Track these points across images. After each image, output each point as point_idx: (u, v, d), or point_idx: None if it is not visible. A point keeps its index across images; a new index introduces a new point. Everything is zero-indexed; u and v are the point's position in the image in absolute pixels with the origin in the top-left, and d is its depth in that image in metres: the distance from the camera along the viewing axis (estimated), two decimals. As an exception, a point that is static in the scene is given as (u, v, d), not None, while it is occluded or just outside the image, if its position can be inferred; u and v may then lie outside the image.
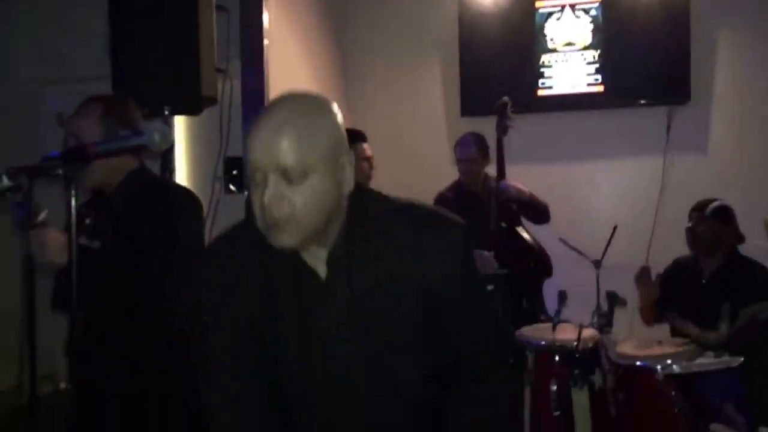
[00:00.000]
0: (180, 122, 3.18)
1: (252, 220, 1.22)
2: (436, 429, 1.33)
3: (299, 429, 1.31)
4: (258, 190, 1.18)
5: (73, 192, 1.56)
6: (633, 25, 4.21)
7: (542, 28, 4.39)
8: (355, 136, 3.52)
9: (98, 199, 2.05)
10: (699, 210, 3.22)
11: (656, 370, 2.74)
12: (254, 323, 1.28)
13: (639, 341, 3.11)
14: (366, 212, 1.28)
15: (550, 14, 4.39)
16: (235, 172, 3.60)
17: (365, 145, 3.51)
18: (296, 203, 1.17)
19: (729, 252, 3.20)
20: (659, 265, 3.45)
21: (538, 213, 3.65)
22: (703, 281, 3.23)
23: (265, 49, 3.61)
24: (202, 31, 2.69)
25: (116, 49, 2.75)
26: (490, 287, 2.94)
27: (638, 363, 2.82)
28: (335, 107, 1.26)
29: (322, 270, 1.27)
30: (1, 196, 1.26)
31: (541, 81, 4.39)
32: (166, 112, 2.73)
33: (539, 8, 4.41)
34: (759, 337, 1.98)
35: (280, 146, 1.16)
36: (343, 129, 1.26)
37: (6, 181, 1.18)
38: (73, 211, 1.60)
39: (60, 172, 1.53)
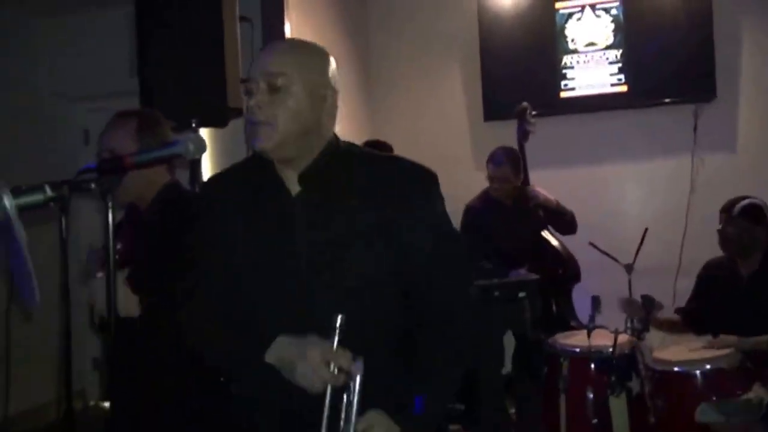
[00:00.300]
0: (206, 134, 3.21)
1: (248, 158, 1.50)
2: (403, 356, 1.44)
3: (265, 340, 1.39)
4: (249, 97, 1.40)
5: (109, 204, 1.58)
6: (655, 22, 4.20)
7: (563, 29, 4.40)
8: (382, 148, 3.54)
9: (132, 214, 2.08)
10: (727, 210, 3.11)
11: (695, 375, 2.71)
12: (231, 236, 1.45)
13: (677, 346, 3.06)
14: (341, 147, 1.48)
15: (570, 15, 4.40)
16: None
17: None
18: (276, 110, 1.39)
19: (766, 253, 3.07)
20: (693, 266, 3.40)
21: (565, 222, 3.63)
22: (742, 285, 3.09)
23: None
24: (227, 43, 2.73)
25: (143, 62, 2.79)
26: (521, 294, 2.94)
27: (676, 369, 2.79)
28: (332, 60, 1.48)
29: (293, 189, 1.44)
30: (43, 207, 1.27)
31: (563, 82, 4.39)
32: (194, 125, 2.76)
33: (559, 9, 4.41)
34: None
35: (269, 58, 1.42)
36: (333, 75, 1.47)
37: (49, 192, 1.17)
38: (110, 224, 1.61)
39: (94, 186, 1.55)
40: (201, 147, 1.45)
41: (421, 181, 1.46)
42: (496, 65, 4.45)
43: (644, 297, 2.97)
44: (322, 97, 1.44)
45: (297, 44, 1.52)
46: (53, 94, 4.50)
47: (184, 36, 2.76)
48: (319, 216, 1.42)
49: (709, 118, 4.16)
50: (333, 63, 1.49)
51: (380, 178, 1.44)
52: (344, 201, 1.42)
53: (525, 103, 3.52)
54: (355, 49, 4.59)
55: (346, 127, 4.21)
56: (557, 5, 4.41)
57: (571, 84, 4.38)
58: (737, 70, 4.19)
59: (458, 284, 1.46)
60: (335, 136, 1.50)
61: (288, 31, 3.65)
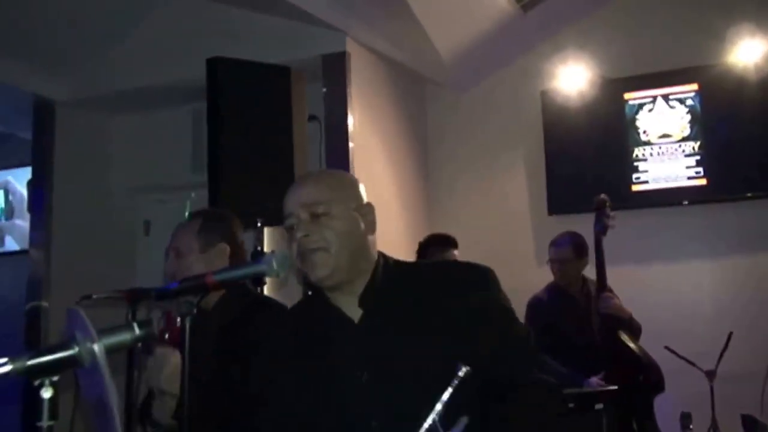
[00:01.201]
0: (270, 232, 3.33)
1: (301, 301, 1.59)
2: None
3: None
4: (295, 232, 1.47)
5: (186, 326, 1.64)
6: (736, 112, 4.22)
7: (633, 120, 4.45)
8: (447, 242, 3.58)
9: (199, 314, 2.16)
10: None
11: None
12: (288, 378, 1.48)
13: None
14: (389, 262, 1.54)
15: (641, 106, 4.45)
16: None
17: (455, 252, 3.55)
18: (325, 235, 1.45)
19: None
20: None
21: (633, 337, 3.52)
22: None
23: (350, 151, 3.79)
24: (296, 143, 2.88)
25: (212, 159, 2.94)
26: (598, 406, 2.85)
27: None
28: (358, 184, 1.59)
29: (355, 316, 1.48)
30: (130, 347, 1.29)
31: (635, 175, 4.41)
32: (259, 224, 2.88)
33: (629, 100, 4.47)
34: None
35: (302, 190, 1.51)
36: (363, 193, 1.57)
37: (137, 332, 1.15)
38: (186, 338, 1.69)
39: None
40: (285, 264, 1.48)
41: (477, 281, 1.50)
42: (562, 157, 4.52)
43: (746, 418, 2.86)
44: (362, 214, 1.53)
45: (322, 173, 1.71)
46: (119, 186, 4.78)
47: (254, 134, 2.91)
48: (383, 346, 1.44)
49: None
50: (360, 187, 1.59)
51: (437, 289, 1.47)
52: (407, 324, 1.44)
53: (603, 195, 3.47)
54: (414, 144, 4.75)
55: (404, 226, 4.30)
56: (626, 96, 4.48)
57: (643, 177, 4.39)
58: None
59: (527, 376, 1.47)
60: (380, 253, 1.56)
61: (350, 128, 3.81)
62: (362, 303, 1.48)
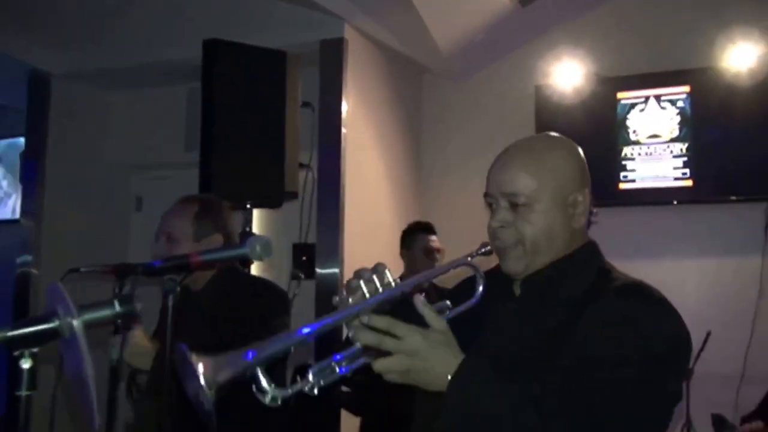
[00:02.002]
0: (259, 213, 3.35)
1: None
2: None
3: None
4: (492, 215, 1.40)
5: (171, 299, 1.68)
6: (725, 116, 4.24)
7: (624, 119, 4.47)
8: (422, 228, 3.63)
9: (185, 297, 2.18)
10: None
11: None
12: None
13: None
14: (585, 259, 1.40)
15: (633, 105, 4.48)
16: (304, 258, 3.75)
17: (433, 237, 3.62)
18: (523, 231, 1.36)
19: None
20: (759, 374, 3.33)
21: None
22: None
23: (342, 138, 3.80)
24: (288, 130, 2.90)
25: (205, 139, 2.95)
26: None
27: None
28: (574, 148, 1.44)
29: (517, 288, 1.42)
30: (111, 322, 1.30)
31: (623, 174, 4.44)
32: (248, 205, 2.90)
33: (621, 99, 4.50)
34: None
35: (506, 176, 1.38)
36: (580, 169, 1.41)
37: (118, 308, 1.18)
38: (170, 315, 1.71)
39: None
40: (267, 250, 1.51)
41: (636, 296, 1.32)
42: None
43: (716, 417, 2.91)
44: (573, 203, 1.38)
45: (535, 151, 1.40)
46: (113, 161, 4.79)
47: (247, 117, 2.93)
48: (521, 322, 1.37)
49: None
50: (581, 155, 1.43)
51: (596, 294, 1.33)
52: (551, 309, 1.34)
53: None
54: (408, 133, 4.76)
55: (394, 214, 4.32)
56: (619, 95, 4.50)
57: (631, 176, 4.42)
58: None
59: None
60: (588, 247, 1.42)
61: (344, 115, 3.83)
62: (522, 285, 1.41)
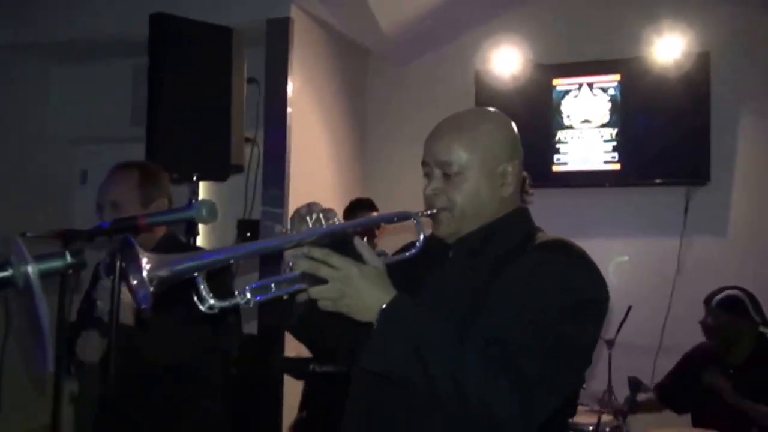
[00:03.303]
0: (205, 186, 3.39)
1: None
2: None
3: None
4: (427, 183, 1.49)
5: (119, 262, 1.72)
6: (652, 104, 4.45)
7: (559, 104, 4.65)
8: (364, 206, 3.69)
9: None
10: (707, 302, 3.31)
11: None
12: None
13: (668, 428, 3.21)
14: (513, 223, 1.49)
15: (567, 92, 4.65)
16: (249, 234, 3.80)
17: (374, 214, 3.66)
18: (453, 198, 1.46)
19: (756, 340, 3.24)
20: (674, 346, 3.53)
21: None
22: (731, 370, 3.23)
23: (288, 116, 3.86)
24: (234, 103, 2.94)
25: (152, 112, 2.97)
26: None
27: None
28: (506, 121, 1.54)
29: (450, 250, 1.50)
30: (62, 272, 1.32)
31: (556, 157, 4.61)
32: (194, 178, 2.94)
33: (556, 86, 4.67)
34: None
35: (440, 146, 1.48)
36: (511, 142, 1.51)
37: (69, 259, 1.23)
38: (116, 282, 1.75)
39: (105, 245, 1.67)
40: (214, 213, 1.57)
41: (560, 251, 1.40)
42: None
43: (631, 379, 3.09)
44: (502, 173, 1.48)
45: (469, 122, 1.51)
46: (57, 135, 4.73)
47: (193, 91, 2.95)
48: (453, 280, 1.44)
49: (701, 202, 4.35)
50: (512, 129, 1.53)
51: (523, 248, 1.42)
52: (480, 266, 1.42)
53: (524, 173, 3.65)
54: (352, 114, 4.84)
55: (338, 193, 4.41)
56: (554, 81, 4.67)
57: (563, 159, 4.60)
58: (733, 156, 4.40)
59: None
60: (517, 212, 1.51)
61: (289, 94, 3.88)
62: (454, 245, 1.49)
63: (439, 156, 1.47)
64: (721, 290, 3.32)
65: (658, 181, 4.44)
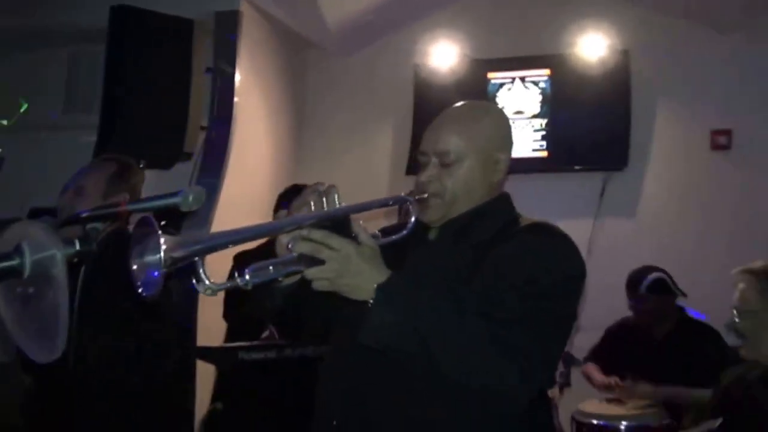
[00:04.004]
0: (152, 175, 3.46)
1: None
2: None
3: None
4: (421, 170, 1.54)
5: (93, 246, 1.72)
6: (579, 97, 4.75)
7: (494, 97, 4.91)
8: (299, 190, 3.70)
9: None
10: (634, 288, 3.39)
11: (620, 428, 3.02)
12: None
13: (601, 400, 3.35)
14: (497, 208, 1.56)
15: (501, 84, 4.92)
16: (163, 222, 3.85)
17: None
18: (445, 184, 1.51)
19: (678, 314, 3.42)
20: (588, 323, 3.63)
21: None
22: (654, 346, 3.36)
23: (234, 107, 3.98)
24: (194, 94, 3.01)
25: (107, 103, 3.03)
26: None
27: (601, 422, 3.08)
28: (503, 114, 1.63)
29: (433, 233, 1.56)
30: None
31: (491, 148, 4.84)
32: (141, 166, 3.01)
33: (491, 79, 4.93)
34: (746, 398, 2.01)
35: (439, 135, 1.54)
36: (505, 133, 1.59)
37: (77, 247, 1.17)
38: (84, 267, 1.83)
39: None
40: (199, 200, 1.43)
41: (543, 233, 1.46)
42: (427, 124, 4.84)
43: (564, 354, 3.29)
44: (495, 162, 1.54)
45: (466, 114, 1.58)
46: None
47: (153, 81, 3.01)
48: (436, 261, 1.48)
49: (617, 187, 4.65)
50: (507, 121, 1.60)
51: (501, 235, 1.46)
52: (464, 249, 1.45)
53: None
54: (292, 105, 4.97)
55: (274, 182, 4.53)
56: (489, 75, 4.93)
57: (498, 150, 4.84)
58: (649, 145, 4.72)
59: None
60: (502, 197, 1.57)
61: (237, 85, 4.00)
62: (440, 229, 1.54)
63: (438, 146, 1.52)
64: (639, 272, 3.45)
65: (578, 167, 4.74)
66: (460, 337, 1.27)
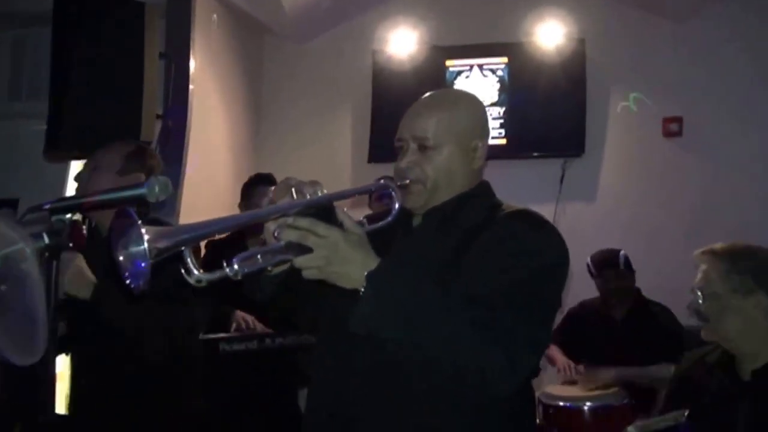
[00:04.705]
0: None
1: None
2: None
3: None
4: (400, 156, 1.53)
5: (54, 240, 1.63)
6: (535, 85, 4.80)
7: (452, 85, 4.90)
8: (263, 180, 3.60)
9: (91, 240, 2.09)
10: (613, 266, 3.47)
11: (584, 409, 3.09)
12: None
13: (563, 382, 3.43)
14: (479, 195, 1.57)
15: (459, 72, 4.92)
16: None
17: (272, 189, 3.61)
18: (426, 170, 1.51)
19: (636, 294, 3.54)
20: None
21: None
22: (616, 326, 3.47)
23: (190, 93, 3.88)
24: (147, 80, 2.92)
25: (55, 86, 2.90)
26: None
27: (567, 404, 3.13)
28: (478, 102, 1.63)
29: (417, 221, 1.57)
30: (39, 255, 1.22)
31: (450, 136, 4.85)
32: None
33: (449, 67, 4.93)
34: (704, 378, 2.02)
35: (418, 121, 1.54)
36: (482, 120, 1.61)
37: (46, 240, 1.15)
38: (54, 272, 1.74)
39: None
40: (166, 190, 1.43)
41: (526, 220, 1.47)
42: (386, 112, 4.82)
43: None
44: (473, 148, 1.56)
45: (446, 101, 1.60)
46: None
47: (104, 67, 2.90)
48: (421, 249, 1.48)
49: (576, 172, 4.74)
50: (484, 109, 1.63)
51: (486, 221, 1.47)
52: (449, 236, 1.47)
53: None
54: (249, 91, 4.90)
55: (233, 171, 4.47)
56: (448, 63, 4.93)
57: (456, 137, 4.85)
58: (604, 131, 4.82)
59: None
60: (482, 185, 1.60)
61: (191, 71, 3.90)
62: (424, 216, 1.54)
63: (416, 131, 1.52)
64: (610, 252, 3.54)
65: (536, 154, 4.81)
66: (448, 325, 1.27)
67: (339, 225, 1.29)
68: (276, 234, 1.28)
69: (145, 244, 1.07)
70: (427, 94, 1.63)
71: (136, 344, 1.91)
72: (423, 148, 1.51)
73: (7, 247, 1.08)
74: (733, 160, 4.58)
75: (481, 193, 1.60)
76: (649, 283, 3.67)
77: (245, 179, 3.78)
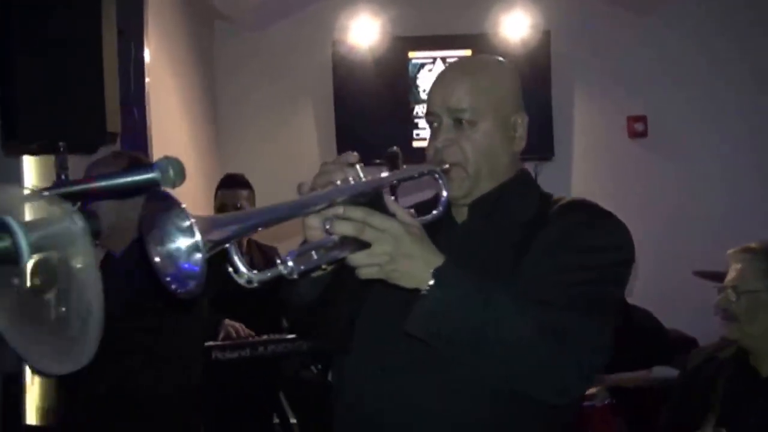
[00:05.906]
0: (74, 160, 3.01)
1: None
2: None
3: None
4: (433, 135, 1.37)
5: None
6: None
7: (415, 78, 4.73)
8: (236, 182, 3.44)
9: (105, 263, 2.06)
10: None
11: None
12: None
13: None
14: (526, 184, 1.44)
15: (422, 65, 4.74)
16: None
17: (244, 193, 3.42)
18: (465, 149, 1.34)
19: None
20: None
21: None
22: None
23: (146, 86, 3.58)
24: (106, 59, 2.61)
25: (4, 75, 2.55)
26: None
27: None
28: (514, 69, 1.45)
29: (460, 217, 1.42)
30: None
31: (415, 132, 4.70)
32: (62, 149, 2.56)
33: (412, 59, 4.74)
34: (715, 374, 2.05)
35: (450, 90, 1.35)
36: (519, 90, 1.42)
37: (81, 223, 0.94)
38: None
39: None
40: (181, 173, 1.20)
41: (588, 212, 1.36)
42: (350, 109, 4.67)
43: None
44: (513, 125, 1.39)
45: (480, 67, 1.42)
46: None
47: (57, 47, 2.56)
48: (473, 244, 1.35)
49: (549, 175, 4.59)
50: (518, 76, 1.43)
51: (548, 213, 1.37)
52: (504, 231, 1.35)
53: (395, 148, 3.64)
54: (205, 83, 4.64)
55: (195, 165, 4.16)
56: (410, 54, 4.74)
57: (422, 134, 4.68)
58: (571, 132, 4.80)
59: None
60: (525, 172, 1.46)
61: (147, 61, 3.57)
62: (471, 209, 1.39)
63: (449, 102, 1.34)
64: None
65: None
66: (518, 329, 1.17)
67: (391, 216, 1.15)
68: (327, 226, 1.13)
69: (197, 236, 0.90)
70: (455, 60, 1.49)
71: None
72: (458, 121, 1.35)
73: (44, 228, 0.85)
74: (698, 159, 4.67)
75: (528, 181, 1.47)
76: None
77: (210, 177, 3.68)
